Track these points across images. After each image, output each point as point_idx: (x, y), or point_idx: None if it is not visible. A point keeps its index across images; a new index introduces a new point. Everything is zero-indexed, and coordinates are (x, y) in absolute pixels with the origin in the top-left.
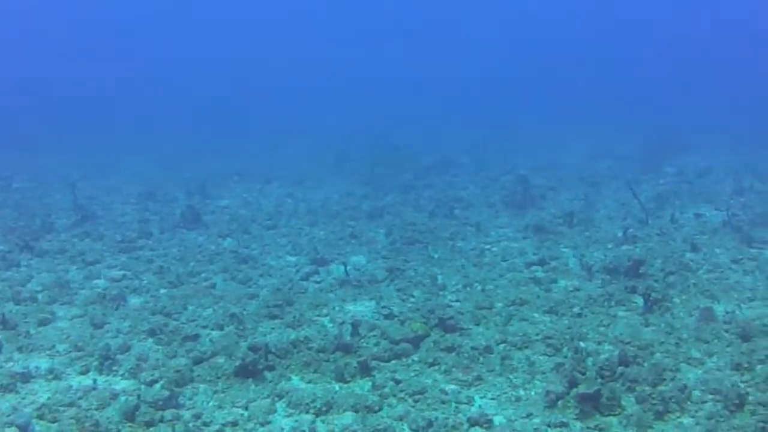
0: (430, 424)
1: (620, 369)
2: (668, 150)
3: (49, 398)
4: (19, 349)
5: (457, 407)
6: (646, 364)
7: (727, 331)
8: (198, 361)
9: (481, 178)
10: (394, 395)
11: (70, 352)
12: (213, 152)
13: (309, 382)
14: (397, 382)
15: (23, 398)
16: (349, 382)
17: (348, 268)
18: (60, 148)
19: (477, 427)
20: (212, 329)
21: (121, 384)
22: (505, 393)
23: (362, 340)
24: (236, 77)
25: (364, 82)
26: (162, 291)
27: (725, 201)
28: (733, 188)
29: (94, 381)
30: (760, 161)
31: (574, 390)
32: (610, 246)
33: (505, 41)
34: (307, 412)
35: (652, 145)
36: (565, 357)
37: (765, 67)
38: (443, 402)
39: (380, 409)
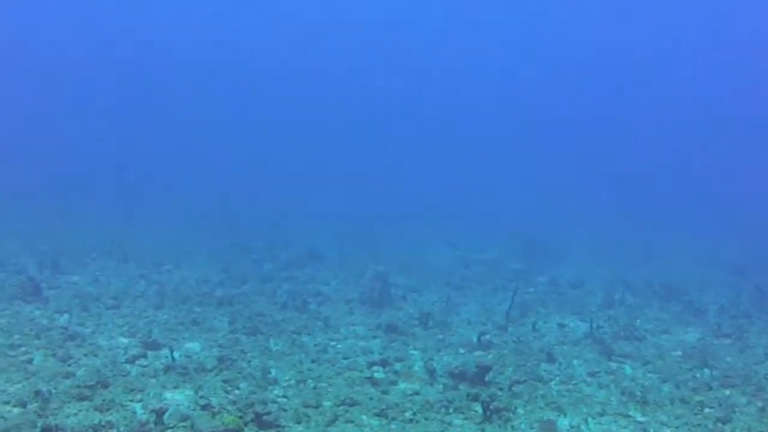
0: None
1: None
2: (543, 257)
3: None
4: None
5: None
6: None
7: None
8: None
9: (345, 274)
10: None
11: None
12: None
13: None
14: None
15: None
16: None
17: (179, 354)
18: None
19: None
20: (14, 406)
21: None
22: None
23: (168, 430)
24: None
25: None
26: None
27: (593, 312)
28: (603, 300)
29: None
30: (634, 274)
31: None
32: (462, 351)
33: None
34: None
35: (527, 252)
36: None
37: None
38: None
39: None
